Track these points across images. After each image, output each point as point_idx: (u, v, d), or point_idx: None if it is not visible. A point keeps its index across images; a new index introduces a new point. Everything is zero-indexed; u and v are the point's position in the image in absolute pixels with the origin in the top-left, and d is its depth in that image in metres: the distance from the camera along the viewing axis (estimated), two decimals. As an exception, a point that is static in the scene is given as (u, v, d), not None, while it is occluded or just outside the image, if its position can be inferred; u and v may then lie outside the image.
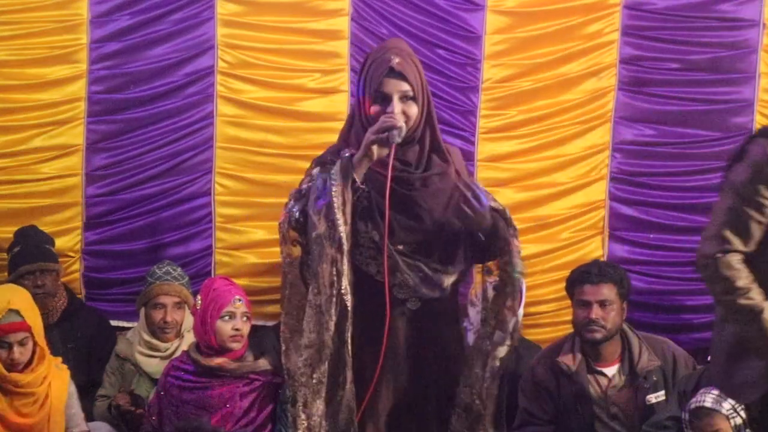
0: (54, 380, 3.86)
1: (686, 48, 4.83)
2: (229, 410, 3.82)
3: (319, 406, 3.02)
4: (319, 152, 4.77)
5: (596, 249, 4.90)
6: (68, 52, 4.94)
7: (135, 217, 4.98)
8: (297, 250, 3.13)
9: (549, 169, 4.91)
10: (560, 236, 4.92)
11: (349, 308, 2.99)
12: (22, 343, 3.75)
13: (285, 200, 4.78)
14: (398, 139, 3.00)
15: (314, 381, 3.00)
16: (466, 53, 4.85)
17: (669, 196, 4.88)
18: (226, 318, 3.87)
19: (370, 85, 3.07)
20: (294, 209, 3.08)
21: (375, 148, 3.00)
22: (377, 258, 3.07)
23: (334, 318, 2.97)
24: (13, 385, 3.74)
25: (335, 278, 2.96)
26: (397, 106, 3.04)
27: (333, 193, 2.97)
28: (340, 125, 4.83)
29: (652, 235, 4.89)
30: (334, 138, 4.77)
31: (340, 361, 3.02)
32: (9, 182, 4.96)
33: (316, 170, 3.13)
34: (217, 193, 4.94)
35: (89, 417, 4.16)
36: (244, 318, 3.91)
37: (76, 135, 4.96)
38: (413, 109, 3.07)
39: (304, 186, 3.12)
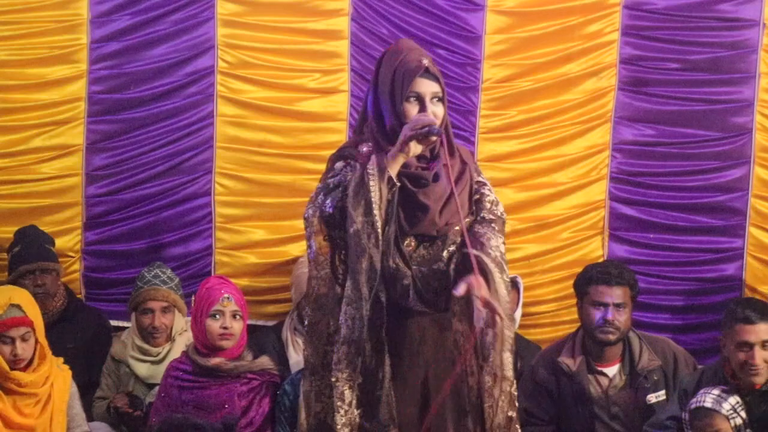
0: (56, 380, 3.86)
1: (686, 48, 4.83)
2: (227, 410, 3.82)
3: (352, 400, 3.00)
4: (320, 152, 4.86)
5: (596, 249, 4.90)
6: (68, 52, 4.93)
7: (135, 217, 4.98)
8: (325, 245, 3.08)
9: (549, 169, 4.91)
10: (560, 236, 4.92)
11: (384, 303, 2.98)
12: (24, 338, 3.75)
13: (285, 200, 4.90)
14: (440, 134, 3.00)
15: (346, 375, 2.99)
16: (466, 53, 4.85)
17: (669, 196, 4.87)
18: (216, 316, 3.88)
19: (402, 86, 3.04)
20: (326, 204, 3.03)
21: (413, 144, 2.99)
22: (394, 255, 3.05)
23: (370, 313, 2.96)
24: (15, 384, 3.74)
25: (373, 274, 2.95)
26: (429, 106, 3.04)
27: (371, 188, 2.95)
28: (340, 125, 4.92)
29: (652, 235, 4.89)
30: (333, 138, 4.87)
31: (377, 357, 2.99)
32: (9, 182, 4.96)
33: (339, 164, 3.11)
34: (217, 193, 4.94)
35: (89, 417, 4.16)
36: (235, 316, 3.91)
37: (76, 135, 4.96)
38: (441, 110, 3.08)
39: (331, 180, 3.08)
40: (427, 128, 2.96)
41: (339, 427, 3.00)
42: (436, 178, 3.10)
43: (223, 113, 4.92)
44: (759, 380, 3.73)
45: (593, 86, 4.89)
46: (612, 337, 4.11)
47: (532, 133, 4.91)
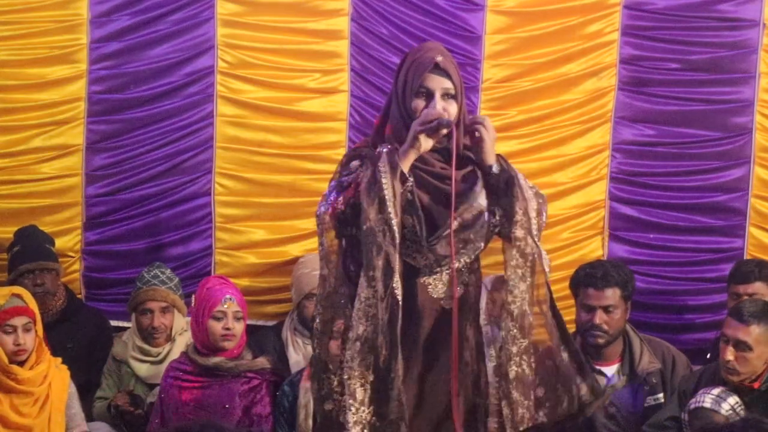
0: (54, 380, 3.86)
1: (686, 48, 4.83)
2: (228, 410, 3.82)
3: (364, 399, 2.97)
4: (320, 152, 4.87)
5: (596, 249, 4.90)
6: (68, 52, 4.93)
7: (135, 217, 4.98)
8: (336, 243, 3.08)
9: (549, 169, 4.91)
10: (560, 236, 4.91)
11: (400, 302, 2.95)
12: (26, 329, 3.77)
13: (285, 200, 4.90)
14: (451, 126, 2.98)
15: (358, 373, 2.95)
16: (466, 53, 4.85)
17: (669, 196, 4.87)
18: (218, 318, 3.89)
19: (412, 81, 3.06)
20: (338, 201, 3.02)
21: (422, 138, 2.98)
22: (421, 252, 3.06)
23: (387, 312, 2.93)
24: (13, 379, 3.74)
25: (389, 272, 2.92)
26: (439, 102, 3.04)
27: (384, 185, 2.93)
28: (340, 125, 4.92)
29: (652, 235, 4.89)
30: (334, 138, 4.88)
31: (391, 355, 2.96)
32: (9, 182, 4.96)
33: (355, 163, 3.10)
34: (217, 193, 4.94)
35: (88, 417, 4.16)
36: (236, 317, 3.92)
37: (76, 135, 4.96)
38: (453, 108, 3.07)
39: (345, 178, 3.07)
40: (436, 121, 2.96)
41: (351, 425, 2.96)
42: (465, 179, 3.10)
43: (223, 113, 4.92)
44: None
45: (593, 86, 4.89)
46: (600, 341, 4.09)
47: (532, 133, 4.90)
